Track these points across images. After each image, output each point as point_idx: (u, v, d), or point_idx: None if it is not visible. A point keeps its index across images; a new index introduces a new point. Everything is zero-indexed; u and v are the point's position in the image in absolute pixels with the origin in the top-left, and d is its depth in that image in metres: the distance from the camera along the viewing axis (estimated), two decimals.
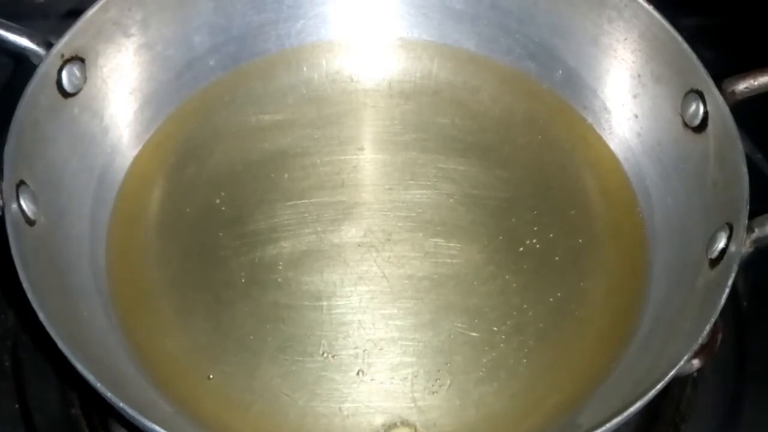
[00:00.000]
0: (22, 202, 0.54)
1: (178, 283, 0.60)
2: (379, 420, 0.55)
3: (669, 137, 0.62)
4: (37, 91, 0.56)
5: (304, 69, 0.68)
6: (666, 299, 0.58)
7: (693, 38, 0.59)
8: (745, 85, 0.57)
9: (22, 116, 0.55)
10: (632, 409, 0.48)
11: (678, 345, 0.51)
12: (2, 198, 0.52)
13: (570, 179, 0.65)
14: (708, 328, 0.50)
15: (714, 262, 0.55)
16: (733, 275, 0.51)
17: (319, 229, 0.62)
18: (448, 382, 0.56)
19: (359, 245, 0.61)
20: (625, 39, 0.63)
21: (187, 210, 0.63)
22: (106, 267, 0.60)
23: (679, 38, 0.59)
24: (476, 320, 0.58)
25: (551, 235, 0.62)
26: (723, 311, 0.51)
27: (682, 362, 0.49)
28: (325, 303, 0.59)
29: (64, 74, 0.58)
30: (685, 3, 0.70)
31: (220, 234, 0.61)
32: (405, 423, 0.55)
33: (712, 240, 0.55)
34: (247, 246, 0.61)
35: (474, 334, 0.58)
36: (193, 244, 0.61)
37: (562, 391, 0.57)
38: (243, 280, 0.60)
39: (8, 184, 0.53)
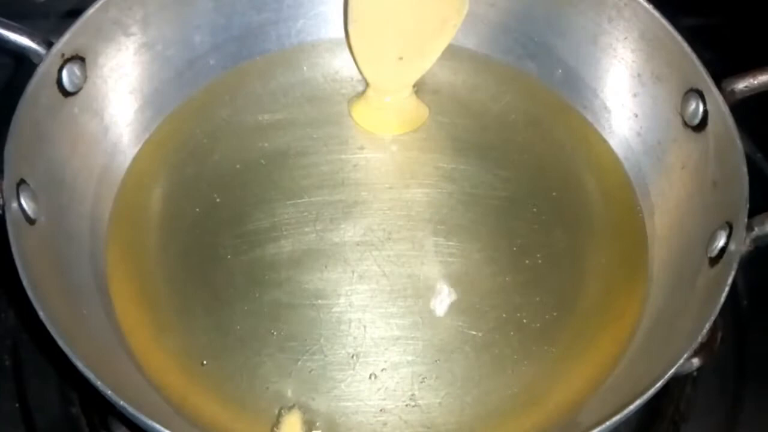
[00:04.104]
0: (23, 201, 0.54)
1: (178, 283, 0.60)
2: (380, 418, 0.55)
3: (669, 136, 0.62)
4: (37, 90, 0.56)
5: (304, 69, 0.68)
6: (666, 298, 0.58)
7: (693, 38, 0.59)
8: (744, 84, 0.57)
9: (23, 115, 0.55)
10: (632, 407, 0.48)
11: (678, 344, 0.51)
12: (3, 197, 0.52)
13: (570, 179, 0.65)
14: (708, 326, 0.50)
15: (714, 261, 0.55)
16: (732, 274, 0.52)
17: (319, 228, 0.62)
18: (449, 380, 0.56)
19: (359, 244, 0.61)
20: (625, 38, 0.63)
21: (187, 209, 0.63)
22: (106, 266, 0.60)
23: (679, 38, 0.59)
24: (476, 319, 0.58)
25: (551, 235, 0.62)
26: (722, 310, 0.51)
27: (681, 361, 0.50)
28: (325, 302, 0.59)
29: (65, 73, 0.58)
30: (685, 3, 0.70)
31: (220, 233, 0.61)
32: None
33: (712, 239, 0.55)
34: (247, 245, 0.61)
35: (474, 332, 0.58)
36: (193, 243, 0.61)
37: (562, 390, 0.57)
38: (243, 280, 0.60)
39: (9, 183, 0.53)
